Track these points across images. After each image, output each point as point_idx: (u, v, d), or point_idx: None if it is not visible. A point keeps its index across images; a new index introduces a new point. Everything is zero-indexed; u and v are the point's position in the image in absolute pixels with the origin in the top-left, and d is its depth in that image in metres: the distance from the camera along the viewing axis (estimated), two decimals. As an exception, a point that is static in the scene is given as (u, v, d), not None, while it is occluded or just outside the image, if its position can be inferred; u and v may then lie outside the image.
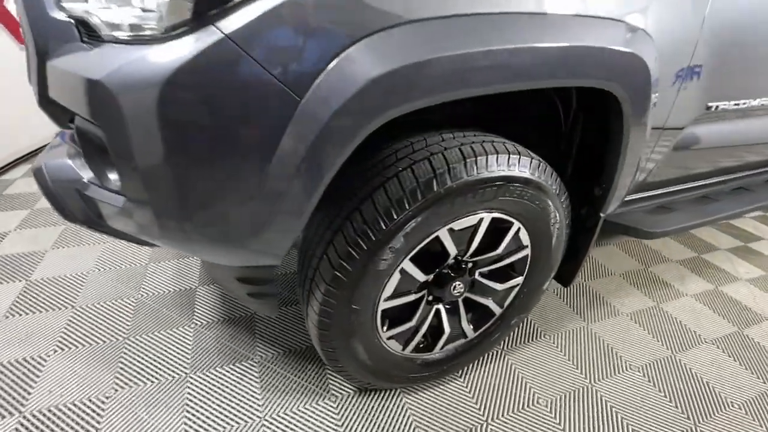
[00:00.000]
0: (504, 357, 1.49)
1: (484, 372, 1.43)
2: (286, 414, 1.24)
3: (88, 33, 0.77)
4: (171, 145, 0.67)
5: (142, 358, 1.37)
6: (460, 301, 1.26)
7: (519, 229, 1.14)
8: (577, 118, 1.23)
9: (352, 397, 1.30)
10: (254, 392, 1.29)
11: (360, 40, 0.68)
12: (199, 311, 1.57)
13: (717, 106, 1.32)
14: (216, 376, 1.33)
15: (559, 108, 1.24)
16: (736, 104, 1.37)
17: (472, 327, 1.31)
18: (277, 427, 1.20)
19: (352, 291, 0.96)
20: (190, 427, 1.18)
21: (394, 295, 1.07)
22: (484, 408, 1.30)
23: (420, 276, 1.06)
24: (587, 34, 0.89)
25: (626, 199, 1.45)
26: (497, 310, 1.32)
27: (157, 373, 1.32)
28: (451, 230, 1.03)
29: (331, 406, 1.27)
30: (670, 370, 1.50)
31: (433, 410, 1.29)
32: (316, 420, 1.23)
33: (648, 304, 1.83)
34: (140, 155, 0.69)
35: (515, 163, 0.99)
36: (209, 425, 1.19)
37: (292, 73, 0.66)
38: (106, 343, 1.41)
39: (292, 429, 1.20)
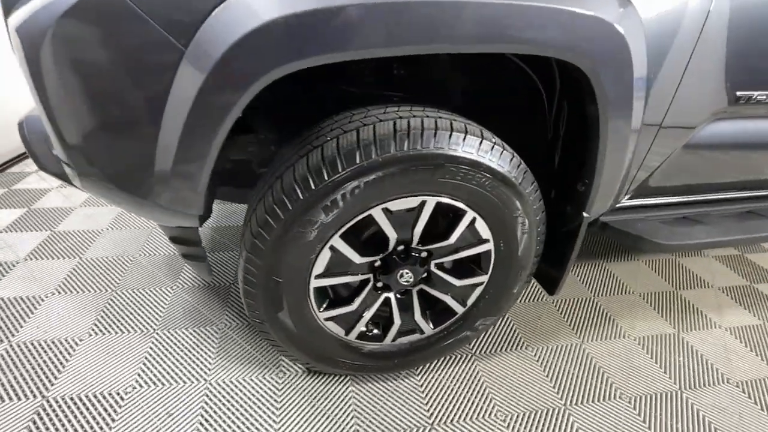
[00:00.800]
0: (472, 362, 1.38)
1: (445, 374, 1.33)
2: (231, 381, 1.25)
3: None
4: (65, 94, 0.69)
5: (120, 311, 1.46)
6: (414, 292, 1.18)
7: (474, 219, 1.04)
8: (562, 104, 1.09)
9: (299, 377, 1.28)
10: (208, 356, 1.32)
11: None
12: (184, 275, 1.65)
13: (752, 97, 1.09)
14: (179, 335, 1.38)
15: (542, 91, 1.11)
16: (782, 96, 1.12)
17: (431, 323, 1.23)
18: (218, 393, 1.21)
19: (272, 261, 0.93)
20: (141, 378, 1.24)
21: (328, 274, 1.03)
22: (433, 410, 1.21)
23: (355, 257, 1.01)
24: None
25: (626, 203, 1.26)
26: (458, 308, 1.22)
27: (128, 325, 1.41)
28: (387, 210, 0.96)
29: (275, 382, 1.26)
30: (671, 407, 1.29)
31: (377, 403, 1.22)
32: (256, 392, 1.22)
33: (665, 331, 1.58)
34: (43, 103, 0.72)
35: (458, 143, 0.90)
36: (158, 380, 1.24)
37: (175, 21, 0.65)
38: (96, 293, 1.53)
39: (231, 396, 1.21)
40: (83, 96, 0.70)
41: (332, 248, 0.98)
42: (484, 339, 1.47)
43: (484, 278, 1.17)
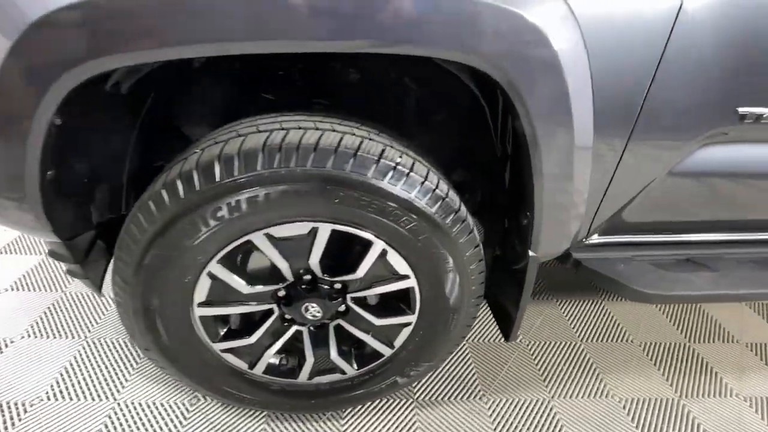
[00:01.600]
0: (411, 409, 1.20)
1: (375, 420, 1.16)
2: (140, 403, 1.16)
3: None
4: None
5: (61, 314, 1.43)
6: (331, 328, 1.03)
7: (385, 251, 0.87)
8: (506, 118, 0.89)
9: (211, 405, 1.17)
10: (127, 373, 1.25)
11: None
12: (136, 281, 1.61)
13: (763, 115, 0.83)
14: (106, 346, 1.32)
15: (484, 106, 0.92)
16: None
17: (354, 364, 1.07)
18: (123, 414, 1.13)
19: (138, 286, 0.82)
20: (53, 389, 1.18)
21: (214, 303, 0.90)
22: (347, 465, 1.05)
23: (242, 286, 0.88)
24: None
25: (598, 240, 1.03)
26: (385, 350, 1.05)
27: (62, 330, 1.37)
28: (270, 236, 0.82)
29: (185, 408, 1.16)
30: (647, 498, 1.03)
31: (286, 448, 1.08)
32: (162, 417, 1.13)
33: (663, 394, 1.30)
34: None
35: (346, 161, 0.74)
36: (69, 393, 1.17)
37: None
38: (45, 293, 1.51)
39: (135, 419, 1.12)
40: None
41: (211, 275, 0.85)
42: (432, 383, 1.28)
43: (411, 318, 0.99)
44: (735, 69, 0.76)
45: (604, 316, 1.59)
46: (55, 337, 1.35)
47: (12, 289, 1.53)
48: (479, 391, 1.27)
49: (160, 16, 0.55)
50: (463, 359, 1.37)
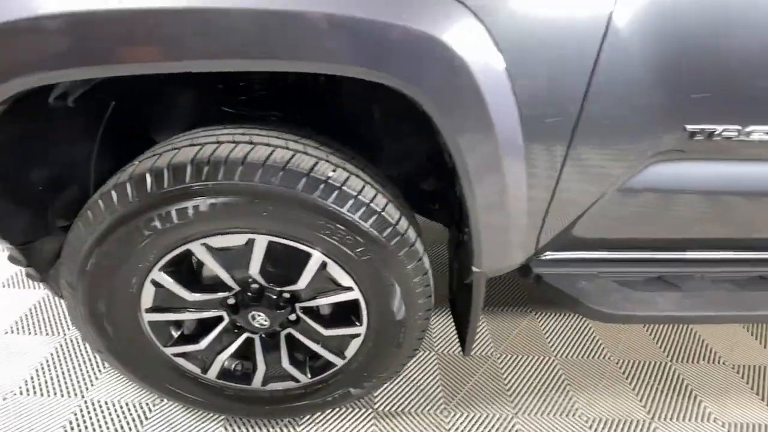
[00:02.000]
0: (369, 419, 1.19)
1: (331, 429, 1.16)
2: (105, 403, 1.20)
3: None
4: None
5: (46, 311, 1.49)
6: (282, 336, 1.04)
7: (325, 263, 0.87)
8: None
9: (174, 407, 1.19)
10: (98, 371, 1.29)
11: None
12: (120, 281, 1.66)
13: (715, 132, 0.79)
14: (83, 343, 1.37)
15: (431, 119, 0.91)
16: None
17: (308, 373, 1.08)
18: (87, 412, 1.17)
19: (84, 291, 0.85)
20: (27, 384, 1.23)
21: (161, 309, 0.93)
22: (296, 473, 1.06)
23: (185, 294, 0.90)
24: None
25: (553, 256, 1.01)
26: (335, 360, 1.05)
27: (45, 326, 1.43)
28: (208, 246, 0.84)
29: (147, 409, 1.19)
30: None
31: (239, 453, 1.10)
32: (124, 417, 1.16)
33: (633, 415, 1.26)
34: None
35: (274, 175, 0.75)
36: (40, 389, 1.22)
37: None
38: (34, 291, 1.58)
39: (97, 418, 1.16)
40: None
41: (154, 282, 0.87)
42: (394, 394, 1.27)
43: (360, 330, 0.99)
44: (676, 85, 0.73)
45: (583, 331, 1.55)
46: (36, 333, 1.41)
47: (3, 286, 1.60)
48: (441, 404, 1.26)
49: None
50: (429, 370, 1.35)
